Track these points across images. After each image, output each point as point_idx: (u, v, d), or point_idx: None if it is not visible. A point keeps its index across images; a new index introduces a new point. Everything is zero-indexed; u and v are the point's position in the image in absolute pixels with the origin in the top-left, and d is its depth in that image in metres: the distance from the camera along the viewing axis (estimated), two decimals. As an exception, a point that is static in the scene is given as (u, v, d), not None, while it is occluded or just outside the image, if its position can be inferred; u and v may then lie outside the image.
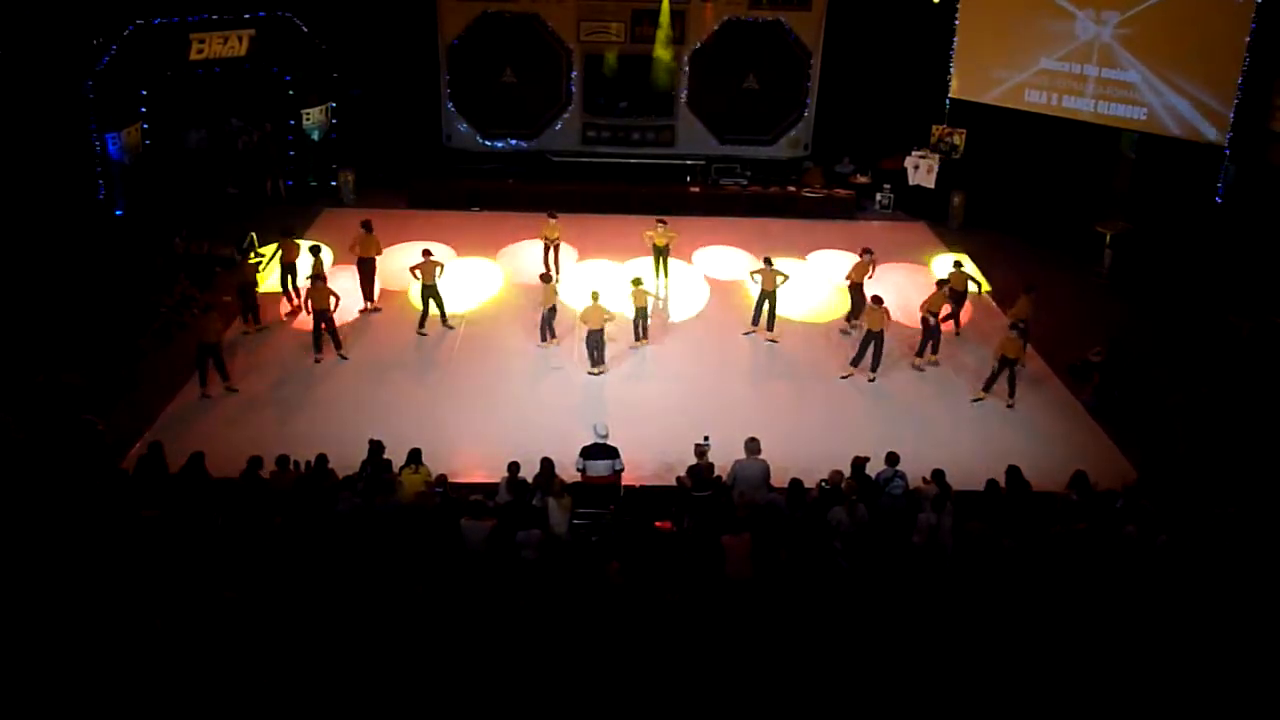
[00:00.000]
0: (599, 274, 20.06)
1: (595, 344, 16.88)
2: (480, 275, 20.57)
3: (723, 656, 10.34)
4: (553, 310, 17.76)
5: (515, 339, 18.09)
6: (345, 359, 17.31)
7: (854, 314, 18.57)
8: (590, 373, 16.96)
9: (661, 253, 19.81)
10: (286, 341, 17.94)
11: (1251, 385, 16.66)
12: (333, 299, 17.21)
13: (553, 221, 19.83)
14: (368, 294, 18.92)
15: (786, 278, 18.13)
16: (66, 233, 19.53)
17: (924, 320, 17.48)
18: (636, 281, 17.66)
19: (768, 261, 18.22)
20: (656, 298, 19.05)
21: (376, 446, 13.43)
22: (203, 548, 11.67)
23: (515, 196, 24.29)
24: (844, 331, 18.26)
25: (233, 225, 21.53)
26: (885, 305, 16.95)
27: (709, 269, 21.31)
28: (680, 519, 12.75)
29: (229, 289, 18.57)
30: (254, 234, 21.06)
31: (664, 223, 19.82)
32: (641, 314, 17.80)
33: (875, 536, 12.23)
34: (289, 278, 18.77)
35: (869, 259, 18.42)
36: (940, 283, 17.74)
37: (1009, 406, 16.47)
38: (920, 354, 17.68)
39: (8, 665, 9.92)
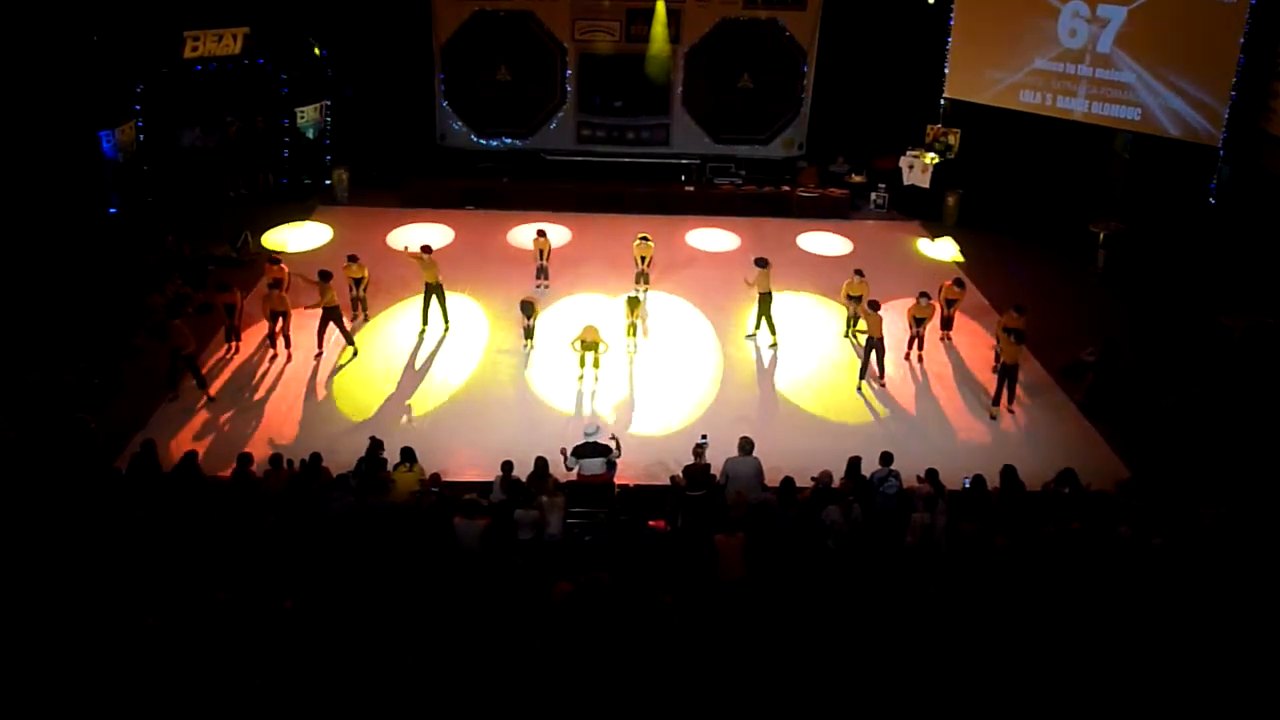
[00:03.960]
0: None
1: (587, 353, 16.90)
2: (473, 274, 20.53)
3: (716, 655, 10.34)
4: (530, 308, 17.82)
5: (508, 338, 18.07)
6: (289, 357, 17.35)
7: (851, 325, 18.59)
8: (580, 376, 16.96)
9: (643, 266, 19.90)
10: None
11: (1244, 386, 16.69)
12: (289, 308, 17.35)
13: (541, 239, 19.86)
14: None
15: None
16: (60, 230, 19.51)
17: (911, 323, 17.72)
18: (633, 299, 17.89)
19: (760, 263, 18.21)
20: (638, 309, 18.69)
21: (375, 444, 13.43)
22: (196, 547, 11.67)
23: (509, 195, 24.26)
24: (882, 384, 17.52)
25: (228, 224, 21.49)
26: (881, 312, 16.96)
27: (703, 268, 21.30)
28: (674, 518, 12.75)
29: (218, 300, 17.93)
30: (248, 233, 21.04)
31: (646, 238, 19.83)
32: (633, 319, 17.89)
33: (869, 536, 12.24)
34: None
35: (861, 280, 18.37)
36: (923, 295, 17.71)
37: (1010, 412, 16.52)
38: (908, 352, 17.89)
39: (3, 663, 9.91)
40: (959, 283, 18.59)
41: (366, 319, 18.52)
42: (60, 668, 9.90)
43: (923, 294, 17.54)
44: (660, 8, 24.28)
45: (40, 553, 11.47)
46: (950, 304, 18.38)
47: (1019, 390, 16.55)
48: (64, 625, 10.38)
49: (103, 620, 10.42)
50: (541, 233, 19.93)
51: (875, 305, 16.93)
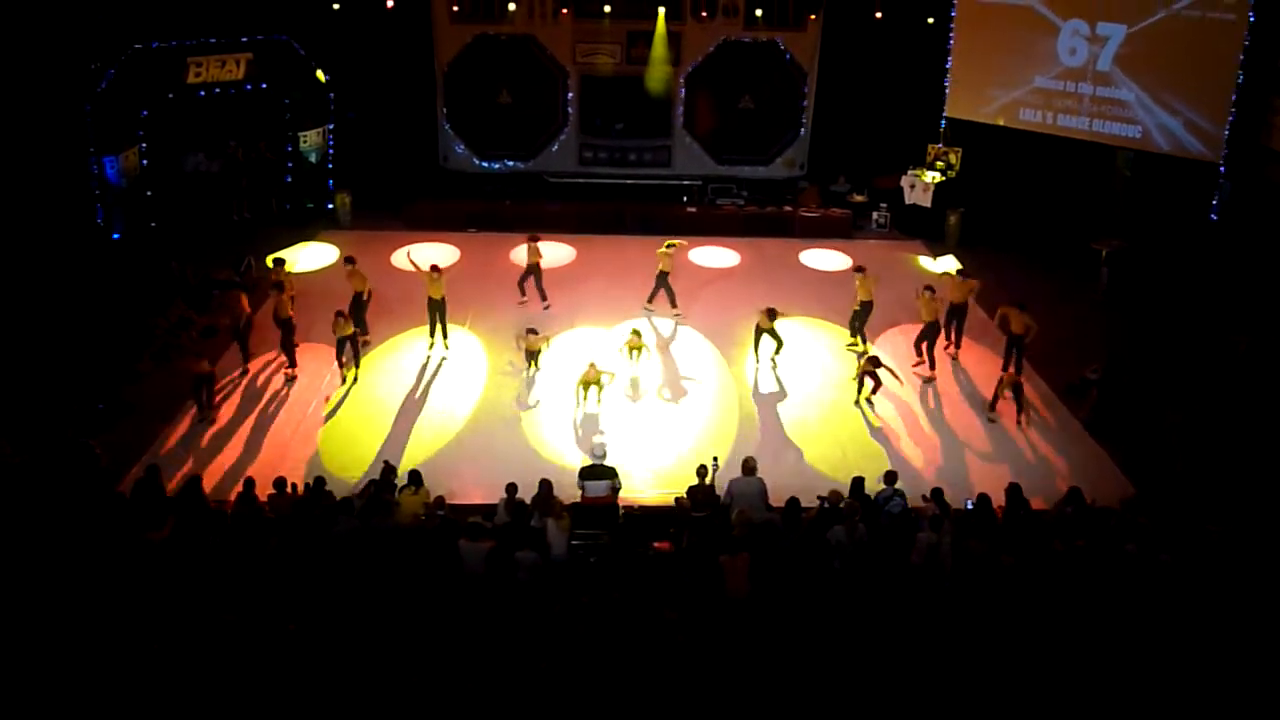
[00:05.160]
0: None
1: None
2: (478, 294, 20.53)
3: (721, 676, 10.30)
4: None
5: (514, 359, 18.05)
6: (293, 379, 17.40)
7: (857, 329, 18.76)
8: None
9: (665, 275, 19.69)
10: (283, 365, 17.89)
11: (1248, 401, 16.65)
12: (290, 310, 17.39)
13: (534, 245, 19.74)
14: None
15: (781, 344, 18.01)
16: (64, 256, 19.57)
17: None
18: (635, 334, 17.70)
19: (770, 314, 17.93)
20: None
21: (388, 469, 13.44)
22: (200, 571, 11.64)
23: (512, 218, 24.32)
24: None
25: (232, 248, 21.55)
26: (884, 365, 16.93)
27: (708, 288, 21.30)
28: (679, 539, 12.72)
29: (224, 320, 18.25)
30: (251, 258, 21.09)
31: (674, 245, 19.69)
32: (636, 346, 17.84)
33: (874, 556, 12.20)
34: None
35: (864, 277, 18.47)
36: (927, 288, 17.81)
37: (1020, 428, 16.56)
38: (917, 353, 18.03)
39: (5, 686, 9.87)
40: (962, 274, 18.68)
41: (367, 341, 18.51)
42: (63, 690, 9.87)
43: (927, 287, 17.65)
44: (661, 24, 24.37)
45: (44, 577, 11.44)
46: (957, 312, 18.32)
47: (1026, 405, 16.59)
48: (69, 648, 10.34)
49: (106, 644, 10.39)
50: (534, 237, 19.82)
51: (875, 361, 16.89)
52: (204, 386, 16.19)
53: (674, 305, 19.74)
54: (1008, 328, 17.38)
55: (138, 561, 11.73)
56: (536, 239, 19.91)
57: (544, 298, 19.98)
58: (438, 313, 18.15)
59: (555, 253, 20.63)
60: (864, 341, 18.59)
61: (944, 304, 18.03)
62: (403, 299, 19.38)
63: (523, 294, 20.02)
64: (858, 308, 18.44)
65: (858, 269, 18.78)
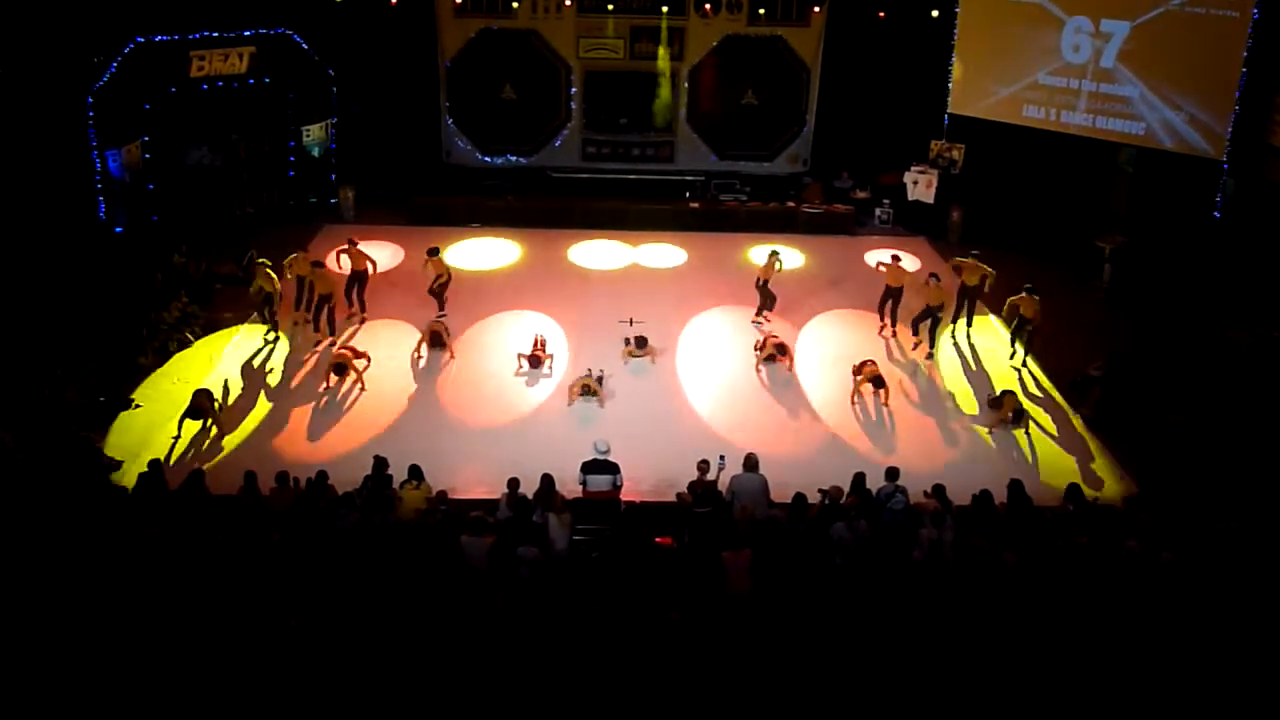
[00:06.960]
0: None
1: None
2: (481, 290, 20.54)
3: (723, 672, 10.31)
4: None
5: (514, 354, 18.05)
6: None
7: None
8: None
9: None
10: (290, 358, 17.91)
11: (1250, 399, 16.65)
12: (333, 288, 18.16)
13: (435, 260, 19.03)
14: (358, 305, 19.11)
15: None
16: (66, 249, 19.57)
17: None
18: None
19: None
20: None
21: (380, 463, 13.44)
22: (202, 565, 11.65)
23: (515, 213, 24.31)
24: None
25: (235, 242, 21.54)
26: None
27: (710, 285, 21.31)
28: (680, 535, 12.73)
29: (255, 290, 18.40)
30: (254, 251, 21.06)
31: (776, 252, 19.22)
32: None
33: (876, 552, 12.21)
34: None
35: (895, 264, 18.73)
36: (932, 275, 18.31)
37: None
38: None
39: (5, 683, 9.89)
40: (975, 255, 18.89)
41: (364, 320, 18.63)
42: (65, 686, 9.89)
43: (932, 274, 17.73)
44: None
45: (45, 572, 11.45)
46: (969, 293, 18.60)
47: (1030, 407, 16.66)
48: (70, 644, 10.36)
49: (108, 639, 10.41)
50: (433, 251, 19.17)
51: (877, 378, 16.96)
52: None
53: (758, 313, 19.46)
54: (1017, 314, 17.56)
55: (139, 556, 11.74)
56: (436, 252, 19.18)
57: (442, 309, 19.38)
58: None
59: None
60: (931, 345, 18.49)
61: (953, 288, 18.34)
62: (404, 287, 19.38)
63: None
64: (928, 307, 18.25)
65: (932, 275, 18.52)
